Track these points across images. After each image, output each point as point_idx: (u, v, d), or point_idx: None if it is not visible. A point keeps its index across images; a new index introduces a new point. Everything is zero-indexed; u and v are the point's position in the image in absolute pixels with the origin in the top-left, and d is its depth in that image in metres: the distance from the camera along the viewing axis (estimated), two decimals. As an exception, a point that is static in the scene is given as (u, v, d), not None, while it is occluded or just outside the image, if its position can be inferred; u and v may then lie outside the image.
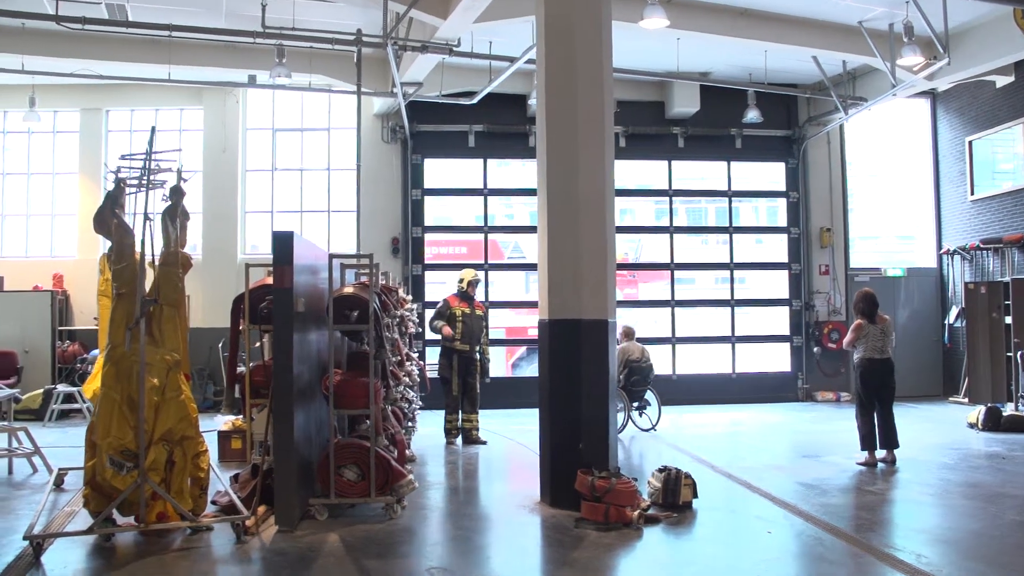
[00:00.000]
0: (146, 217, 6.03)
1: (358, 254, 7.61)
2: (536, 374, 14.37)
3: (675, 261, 15.50)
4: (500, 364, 15.02)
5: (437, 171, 15.29)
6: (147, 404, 5.83)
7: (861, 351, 9.10)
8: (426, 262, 15.02)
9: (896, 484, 8.04)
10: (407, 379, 8.38)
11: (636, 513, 6.29)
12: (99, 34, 11.97)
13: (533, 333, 15.41)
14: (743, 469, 8.56)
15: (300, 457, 6.45)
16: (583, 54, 7.12)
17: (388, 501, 6.58)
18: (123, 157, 6.44)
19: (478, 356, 10.87)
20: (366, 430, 7.02)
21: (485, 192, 15.18)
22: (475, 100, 13.71)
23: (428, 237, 15.14)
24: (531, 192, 15.16)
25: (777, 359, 15.61)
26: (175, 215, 6.44)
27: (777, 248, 15.80)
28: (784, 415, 13.55)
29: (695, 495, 6.97)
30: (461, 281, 10.99)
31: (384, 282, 8.60)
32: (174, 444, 6.05)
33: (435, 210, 15.49)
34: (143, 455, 5.76)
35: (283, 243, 6.27)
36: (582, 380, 6.86)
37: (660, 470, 7.10)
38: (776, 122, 15.34)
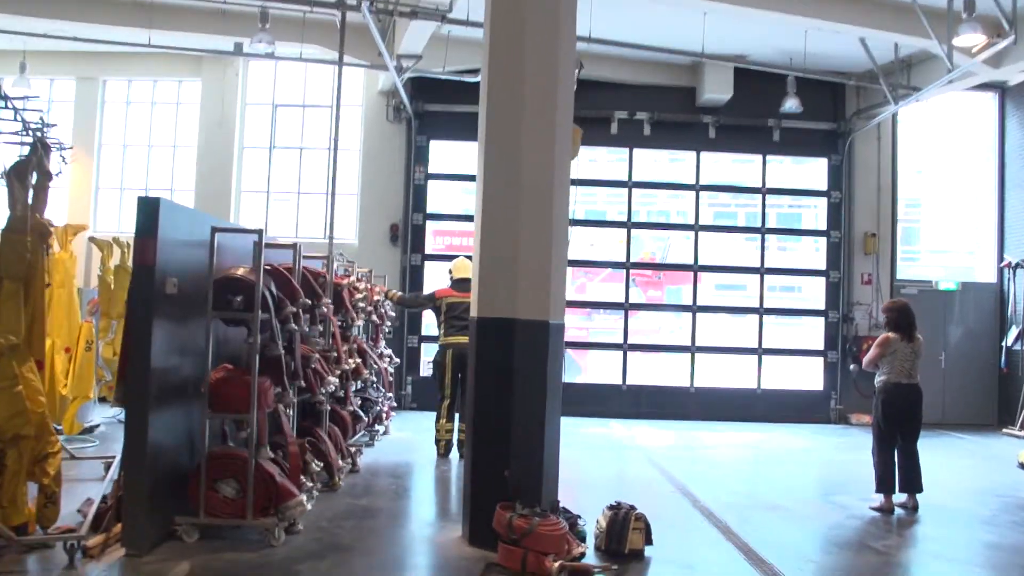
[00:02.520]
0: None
1: (243, 228, 6.49)
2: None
3: (699, 263, 14.08)
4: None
5: (444, 154, 14.16)
6: (-38, 396, 4.84)
7: (885, 373, 7.61)
8: (427, 252, 13.89)
9: (911, 540, 6.61)
10: (335, 378, 7.24)
11: (557, 564, 5.04)
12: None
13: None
14: (729, 506, 7.20)
15: (165, 468, 5.40)
16: (533, 15, 5.88)
17: (267, 525, 5.48)
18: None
19: None
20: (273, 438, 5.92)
21: (495, 179, 13.96)
22: (479, 76, 12.51)
23: (431, 225, 14.03)
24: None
25: (809, 376, 14.05)
26: (24, 173, 5.44)
27: (814, 253, 14.27)
28: (810, 439, 12.05)
29: (648, 541, 5.69)
30: (450, 272, 9.71)
31: (320, 267, 7.53)
32: (5, 444, 5.06)
33: (441, 196, 14.36)
34: (-52, 457, 4.77)
35: (147, 211, 5.21)
36: (513, 393, 5.64)
37: (610, 507, 5.85)
38: (819, 114, 13.79)
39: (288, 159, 14.47)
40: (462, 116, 13.73)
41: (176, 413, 5.54)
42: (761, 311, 14.02)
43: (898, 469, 7.45)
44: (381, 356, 10.35)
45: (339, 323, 8.06)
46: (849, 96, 13.88)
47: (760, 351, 13.94)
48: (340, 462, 7.61)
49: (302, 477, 6.13)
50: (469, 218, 14.22)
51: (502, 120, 5.84)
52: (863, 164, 13.95)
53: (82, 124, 14.34)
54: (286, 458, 5.93)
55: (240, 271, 5.67)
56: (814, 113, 13.54)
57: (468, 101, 13.35)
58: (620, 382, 13.82)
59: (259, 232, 5.60)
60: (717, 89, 13.39)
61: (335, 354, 7.47)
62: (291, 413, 6.20)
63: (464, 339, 9.08)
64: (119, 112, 14.58)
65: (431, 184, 13.96)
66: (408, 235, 13.73)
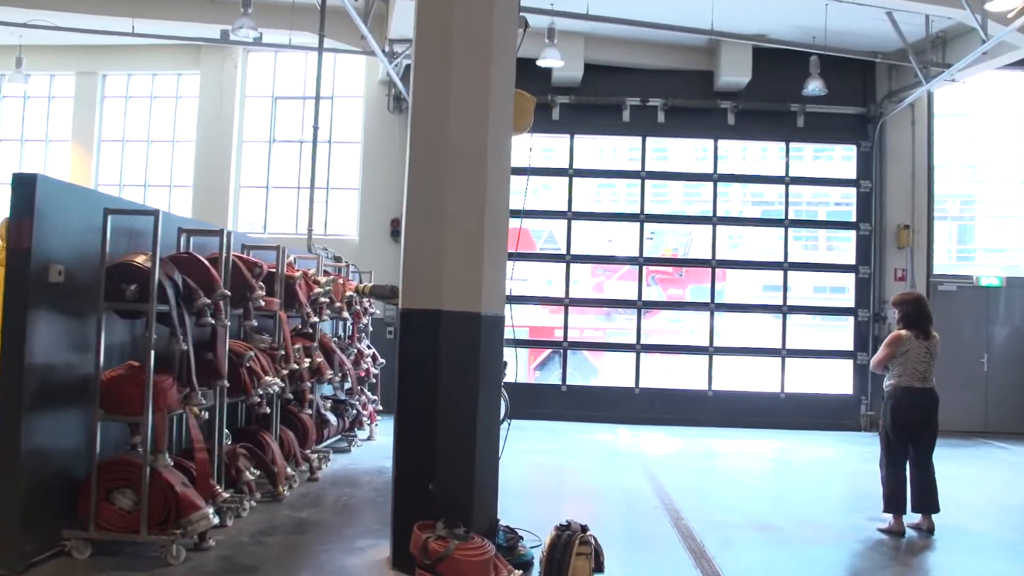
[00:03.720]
0: None
1: (142, 209, 5.85)
2: (558, 381, 12.93)
3: (717, 258, 13.18)
4: (523, 367, 13.14)
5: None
6: None
7: (895, 376, 6.70)
8: (430, 248, 13.23)
9: (917, 571, 5.72)
10: (277, 379, 6.61)
11: (475, 595, 4.34)
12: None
13: (560, 334, 13.51)
14: (715, 526, 6.39)
15: (49, 476, 4.84)
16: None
17: (162, 541, 4.88)
18: None
19: None
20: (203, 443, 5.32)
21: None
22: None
23: (435, 221, 13.36)
24: (562, 172, 13.45)
25: (837, 379, 13.04)
26: None
27: (843, 247, 13.26)
28: (834, 448, 11.09)
29: (598, 568, 4.94)
30: None
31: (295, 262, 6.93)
32: None
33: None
34: None
35: (23, 189, 4.67)
36: (439, 393, 4.95)
37: (557, 528, 5.09)
38: (847, 97, 12.78)
39: (288, 153, 13.99)
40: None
41: (65, 415, 4.96)
42: (785, 309, 13.07)
43: (910, 486, 6.56)
44: (361, 355, 9.72)
45: (296, 319, 7.47)
46: (880, 77, 12.86)
47: (784, 352, 12.98)
48: (290, 470, 7.01)
49: (218, 487, 5.51)
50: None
51: (428, 83, 5.15)
52: (896, 150, 12.90)
53: (82, 119, 14.10)
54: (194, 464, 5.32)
55: (140, 258, 5.09)
56: (841, 96, 12.55)
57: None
58: (633, 385, 13.00)
59: (155, 213, 5.00)
60: (735, 72, 12.51)
61: (283, 352, 6.86)
62: (205, 416, 5.58)
63: None
64: (118, 107, 14.29)
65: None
66: (409, 230, 13.08)
